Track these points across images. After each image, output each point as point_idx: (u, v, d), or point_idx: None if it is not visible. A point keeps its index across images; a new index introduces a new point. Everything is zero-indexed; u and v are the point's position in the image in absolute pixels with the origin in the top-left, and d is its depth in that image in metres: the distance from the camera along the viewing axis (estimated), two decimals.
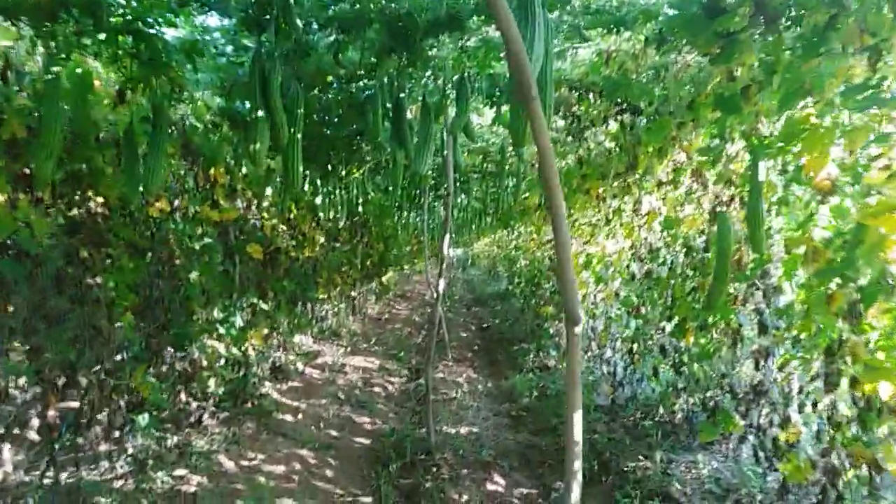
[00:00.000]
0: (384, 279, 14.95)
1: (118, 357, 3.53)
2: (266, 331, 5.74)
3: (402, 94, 3.75)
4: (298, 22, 2.75)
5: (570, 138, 6.24)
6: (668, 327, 5.42)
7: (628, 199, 5.94)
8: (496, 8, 1.36)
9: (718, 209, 4.05)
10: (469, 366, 8.74)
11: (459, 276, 25.38)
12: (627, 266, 6.07)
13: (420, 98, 3.67)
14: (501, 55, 3.81)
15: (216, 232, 5.08)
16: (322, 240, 8.70)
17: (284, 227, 7.48)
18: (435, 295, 5.43)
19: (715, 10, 2.88)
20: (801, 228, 3.01)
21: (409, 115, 3.91)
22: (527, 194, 10.42)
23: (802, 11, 2.75)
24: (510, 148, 6.62)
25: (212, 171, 5.30)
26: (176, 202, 4.90)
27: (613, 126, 5.74)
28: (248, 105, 3.20)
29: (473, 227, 17.11)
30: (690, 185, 4.63)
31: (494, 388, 7.48)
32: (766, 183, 3.26)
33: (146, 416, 3.75)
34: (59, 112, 2.69)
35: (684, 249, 4.83)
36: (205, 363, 4.72)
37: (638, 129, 5.39)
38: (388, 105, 3.98)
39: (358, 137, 6.21)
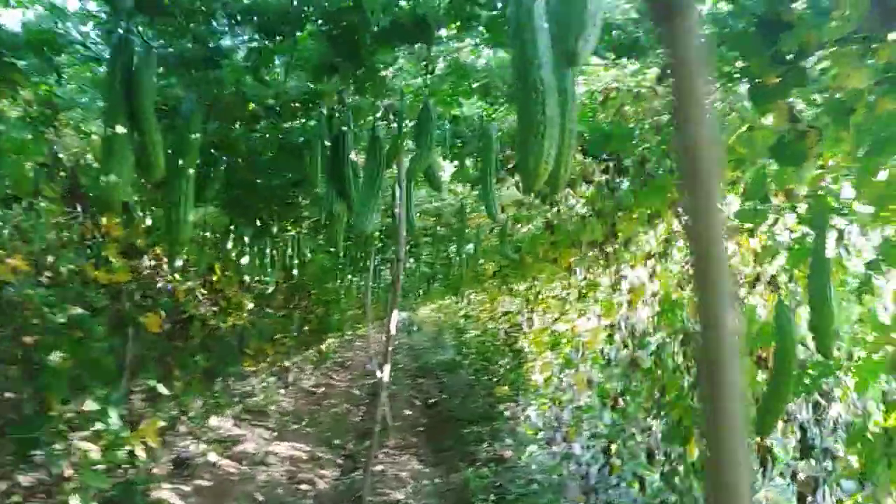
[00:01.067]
0: (323, 347, 13.69)
1: None
2: (163, 423, 4.53)
3: (344, 128, 2.81)
4: None
5: (536, 200, 5.42)
6: (656, 426, 4.51)
7: (605, 271, 5.10)
8: None
9: (740, 291, 3.22)
10: (414, 454, 7.58)
11: (404, 342, 24.17)
12: (602, 349, 5.18)
13: (368, 135, 2.73)
14: (475, 85, 2.94)
15: (101, 298, 3.95)
16: (251, 305, 7.55)
17: (204, 292, 6.33)
18: (379, 378, 4.38)
19: (775, 25, 2.09)
20: (888, 328, 2.16)
21: (353, 158, 2.98)
22: (481, 261, 9.58)
23: None
24: (469, 209, 5.76)
25: (104, 221, 4.21)
26: (48, 259, 3.78)
27: (588, 188, 4.96)
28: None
29: (420, 292, 16.14)
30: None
31: (444, 484, 6.35)
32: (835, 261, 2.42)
33: None
34: None
35: (681, 336, 3.97)
36: (68, 472, 3.50)
37: (619, 192, 4.60)
38: (327, 143, 3.04)
39: (293, 189, 5.24)
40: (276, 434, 7.63)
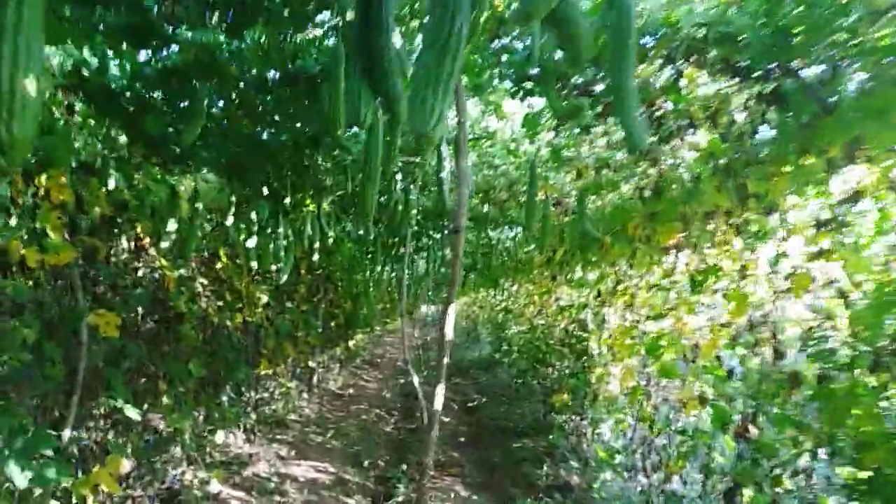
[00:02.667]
0: (351, 344, 12.48)
1: None
2: (127, 462, 3.29)
3: None
4: None
5: (625, 156, 4.06)
6: (819, 468, 3.16)
7: (726, 251, 3.73)
8: None
9: None
10: (457, 474, 6.29)
11: (434, 337, 22.93)
12: (718, 358, 3.81)
13: None
14: None
15: (29, 288, 2.72)
16: (265, 299, 6.32)
17: (205, 282, 5.11)
18: (431, 409, 3.04)
19: None
20: None
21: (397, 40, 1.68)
22: (531, 247, 8.23)
23: None
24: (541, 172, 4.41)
25: (43, 180, 2.98)
26: None
27: (704, 138, 3.60)
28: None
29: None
30: None
31: None
32: None
33: None
34: None
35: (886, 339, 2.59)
36: None
37: (760, 136, 3.24)
38: (351, 14, 1.74)
39: (311, 148, 3.96)
40: (295, 450, 6.40)
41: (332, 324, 10.47)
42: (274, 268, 5.97)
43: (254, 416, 6.94)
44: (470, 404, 10.26)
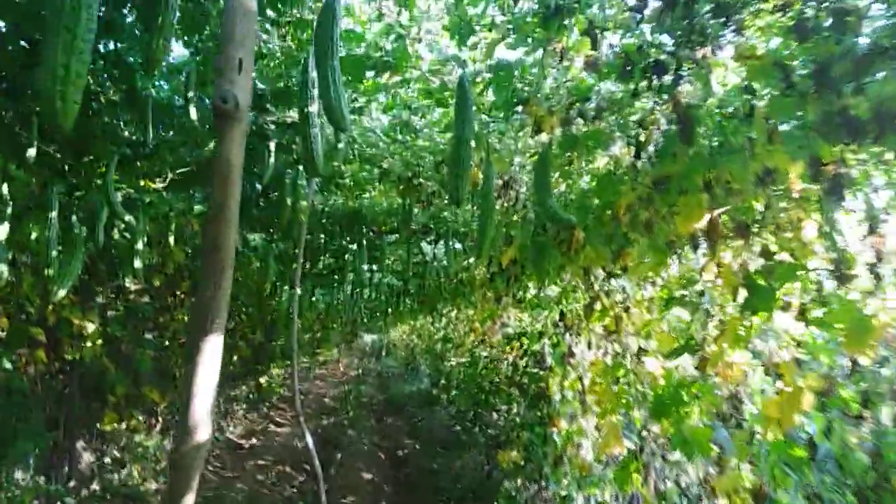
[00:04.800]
0: (263, 380, 10.41)
1: None
2: None
3: None
4: None
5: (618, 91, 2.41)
6: None
7: (786, 238, 2.10)
8: None
9: None
10: None
11: (371, 367, 20.86)
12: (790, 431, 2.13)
13: None
14: None
15: None
16: (91, 327, 4.37)
17: None
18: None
19: None
20: None
21: None
22: (468, 262, 6.56)
23: None
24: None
25: None
26: None
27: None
28: None
29: (389, 310, 12.91)
30: None
31: None
32: None
33: None
34: None
35: None
36: None
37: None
38: None
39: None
40: None
41: (234, 358, 8.46)
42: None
43: (95, 487, 4.93)
44: (400, 452, 8.40)
